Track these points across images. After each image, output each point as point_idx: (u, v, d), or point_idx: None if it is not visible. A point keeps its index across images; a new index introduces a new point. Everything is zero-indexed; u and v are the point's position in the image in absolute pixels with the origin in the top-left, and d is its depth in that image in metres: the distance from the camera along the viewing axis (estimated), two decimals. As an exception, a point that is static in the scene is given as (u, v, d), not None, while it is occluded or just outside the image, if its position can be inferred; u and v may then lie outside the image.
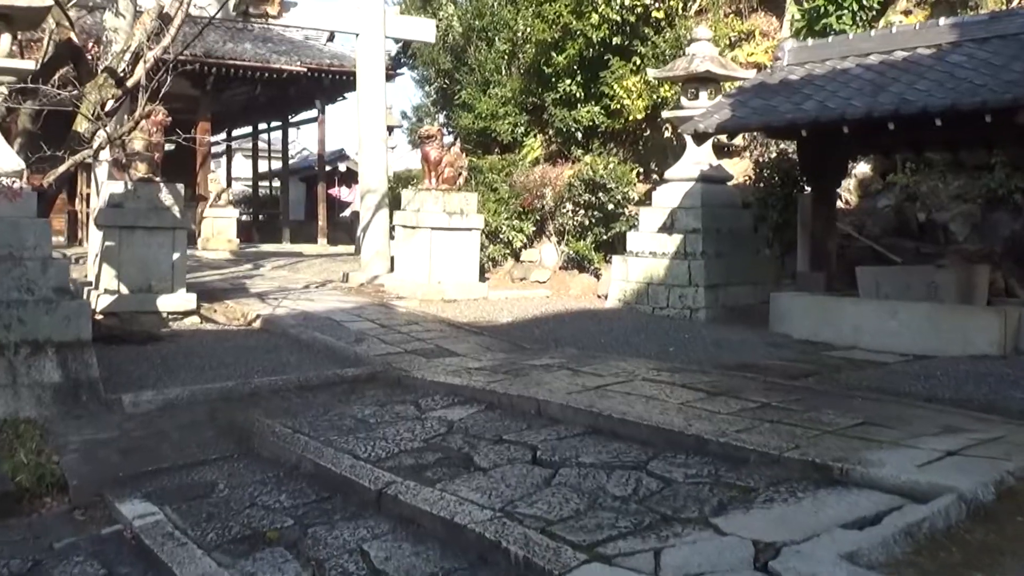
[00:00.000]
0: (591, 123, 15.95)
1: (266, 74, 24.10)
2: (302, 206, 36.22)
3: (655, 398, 6.95)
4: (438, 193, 14.02)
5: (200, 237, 23.50)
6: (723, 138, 14.09)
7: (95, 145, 9.35)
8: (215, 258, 21.26)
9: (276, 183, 36.82)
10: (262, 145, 35.36)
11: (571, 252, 15.17)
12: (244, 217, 34.94)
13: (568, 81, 15.76)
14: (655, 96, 15.09)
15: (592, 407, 6.54)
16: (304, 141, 42.78)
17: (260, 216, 34.54)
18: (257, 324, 11.58)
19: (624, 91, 15.18)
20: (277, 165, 34.41)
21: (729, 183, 13.69)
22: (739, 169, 15.01)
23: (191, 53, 22.36)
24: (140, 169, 11.78)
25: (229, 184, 36.84)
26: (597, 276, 14.87)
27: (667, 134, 15.58)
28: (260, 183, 37.76)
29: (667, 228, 12.97)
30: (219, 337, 10.67)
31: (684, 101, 13.43)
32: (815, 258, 11.61)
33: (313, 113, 28.92)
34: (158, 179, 11.94)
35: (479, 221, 14.38)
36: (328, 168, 31.01)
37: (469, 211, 14.22)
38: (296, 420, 7.10)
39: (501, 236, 15.82)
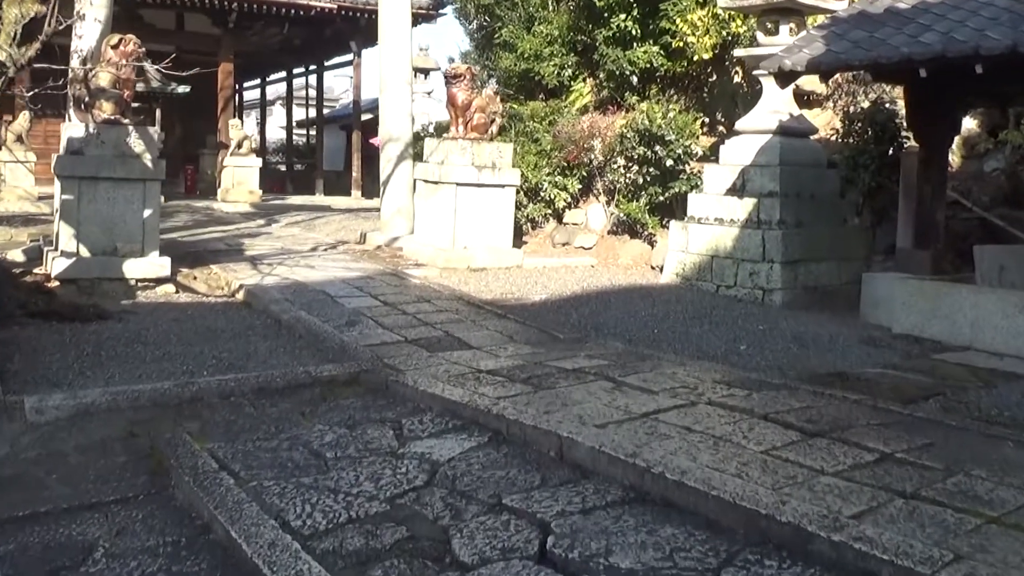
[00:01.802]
0: (648, 65, 13.66)
1: (293, 11, 22.13)
2: (341, 155, 34.30)
3: (727, 440, 4.87)
4: (466, 143, 11.95)
5: (220, 188, 21.75)
6: (805, 85, 11.92)
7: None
8: (230, 211, 19.51)
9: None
10: (301, 93, 33.48)
11: (621, 214, 13.03)
12: (280, 167, 33.28)
13: (622, 16, 13.47)
14: (724, 32, 12.82)
15: (637, 456, 4.48)
16: (348, 87, 40.81)
17: (295, 166, 32.69)
18: (240, 296, 9.71)
19: (688, 26, 12.89)
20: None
21: (812, 137, 11.46)
22: (820, 122, 12.76)
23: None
24: (105, 109, 9.86)
25: (263, 135, 35.20)
26: (651, 243, 12.73)
27: (737, 78, 13.34)
28: (299, 132, 35.93)
29: (736, 190, 10.80)
30: (185, 314, 8.75)
31: (760, 37, 11.23)
32: (919, 232, 9.40)
33: (349, 57, 26.91)
34: (127, 121, 10.01)
35: (514, 176, 12.29)
36: (368, 116, 29.02)
37: (503, 164, 12.14)
38: (233, 446, 5.22)
39: (542, 194, 13.72)
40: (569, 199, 13.80)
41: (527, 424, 5.16)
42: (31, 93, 11.16)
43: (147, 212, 9.98)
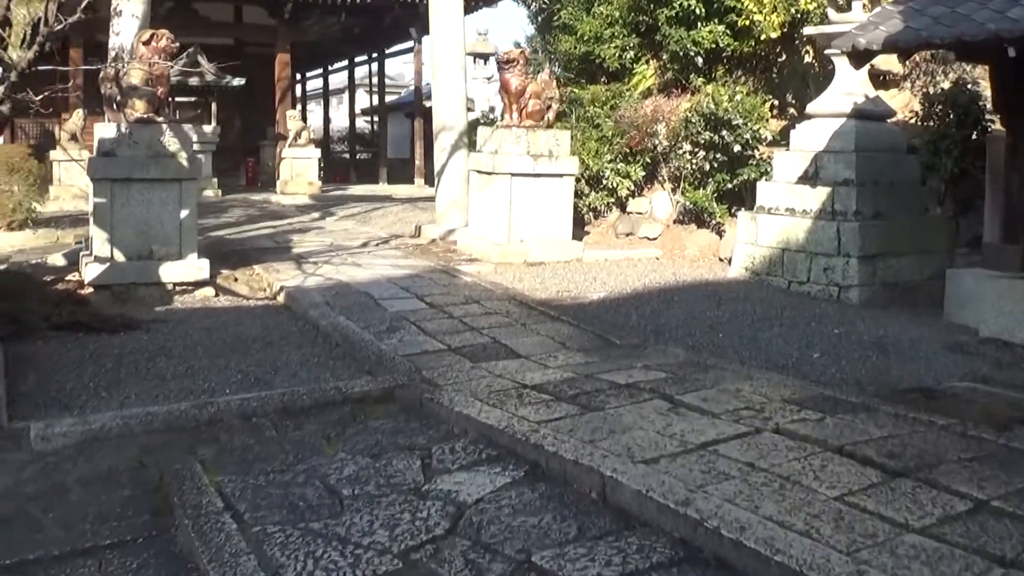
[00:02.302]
0: (713, 45, 12.88)
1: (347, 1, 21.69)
2: (406, 143, 33.89)
3: (796, 481, 4.23)
4: (520, 131, 11.34)
5: (279, 180, 21.46)
6: (880, 64, 11.08)
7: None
8: (287, 204, 19.21)
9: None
10: (366, 81, 33.14)
11: (687, 203, 12.32)
12: (345, 156, 33.03)
13: None
14: (793, 9, 11.99)
15: (689, 505, 3.87)
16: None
17: (359, 155, 32.35)
18: (280, 299, 9.27)
19: (754, 4, 12.10)
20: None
21: (890, 120, 10.65)
22: (897, 104, 11.88)
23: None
24: (137, 108, 9.44)
25: (326, 124, 34.93)
26: (719, 233, 12.02)
27: (808, 58, 12.51)
28: (365, 120, 35.61)
29: (809, 178, 10.05)
30: (219, 321, 8.31)
31: (832, 14, 10.42)
32: (1008, 225, 8.54)
33: (410, 44, 26.43)
34: (161, 119, 9.59)
35: (572, 165, 11.66)
36: (430, 103, 28.54)
37: (560, 153, 11.52)
38: (244, 479, 4.76)
39: (604, 182, 13.06)
40: (632, 187, 13.11)
41: (567, 458, 4.58)
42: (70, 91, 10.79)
43: (184, 213, 9.56)
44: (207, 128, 21.16)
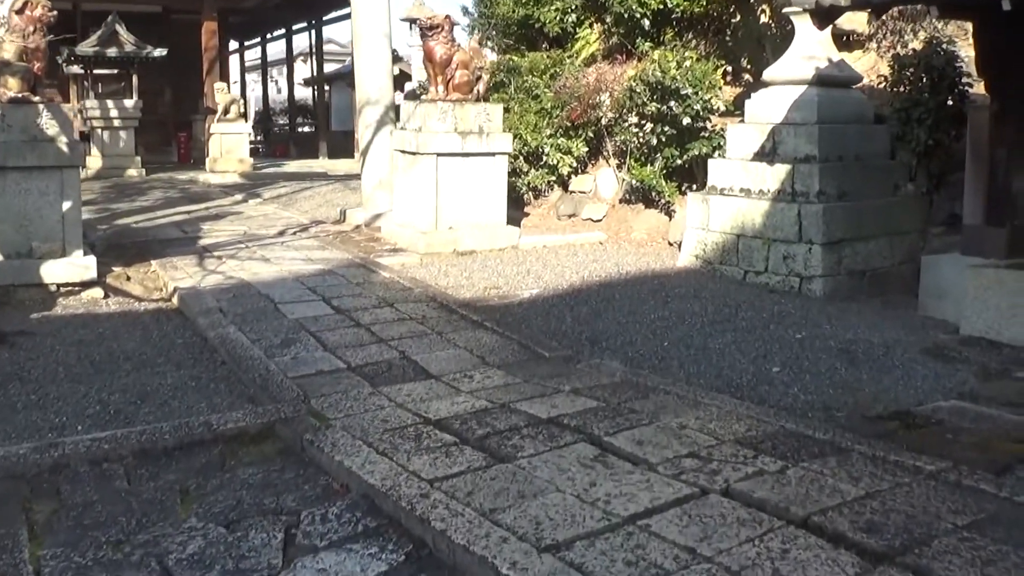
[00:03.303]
0: (661, 5, 11.75)
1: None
2: (350, 115, 32.52)
3: (748, 580, 3.22)
4: (446, 105, 10.21)
5: (208, 157, 20.13)
6: (844, 24, 10.09)
7: None
8: (213, 183, 18.00)
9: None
10: (307, 51, 31.72)
11: (634, 181, 11.26)
12: (286, 128, 31.74)
13: None
14: (749, -35, 10.96)
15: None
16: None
17: (300, 128, 30.99)
18: (174, 302, 8.16)
19: (707, -41, 11.05)
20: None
21: (856, 87, 9.63)
22: (863, 66, 10.87)
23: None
24: (10, 86, 8.28)
25: (265, 97, 33.53)
26: (669, 214, 10.98)
27: (764, 18, 11.45)
28: (307, 92, 34.18)
29: (766, 154, 9.02)
30: (95, 332, 7.18)
31: (791, -31, 9.38)
32: (992, 205, 7.58)
33: (348, 9, 25.05)
34: (37, 99, 8.39)
35: (506, 142, 10.54)
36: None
37: (492, 129, 10.41)
38: (69, 558, 3.78)
39: (544, 159, 11.99)
40: (575, 164, 12.04)
41: (457, 542, 3.54)
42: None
43: (66, 205, 8.41)
44: (128, 102, 19.78)
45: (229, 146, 20.01)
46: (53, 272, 8.29)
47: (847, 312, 7.59)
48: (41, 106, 8.34)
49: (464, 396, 5.48)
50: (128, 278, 8.98)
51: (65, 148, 8.37)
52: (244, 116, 20.56)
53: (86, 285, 8.43)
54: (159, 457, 4.83)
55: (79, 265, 8.42)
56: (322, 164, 22.97)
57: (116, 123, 19.57)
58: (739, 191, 9.07)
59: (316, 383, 5.77)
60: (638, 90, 10.68)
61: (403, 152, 10.51)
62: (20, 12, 8.37)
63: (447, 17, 10.35)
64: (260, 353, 6.35)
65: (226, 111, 19.98)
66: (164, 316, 7.80)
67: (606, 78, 11.82)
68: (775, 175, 8.77)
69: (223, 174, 19.23)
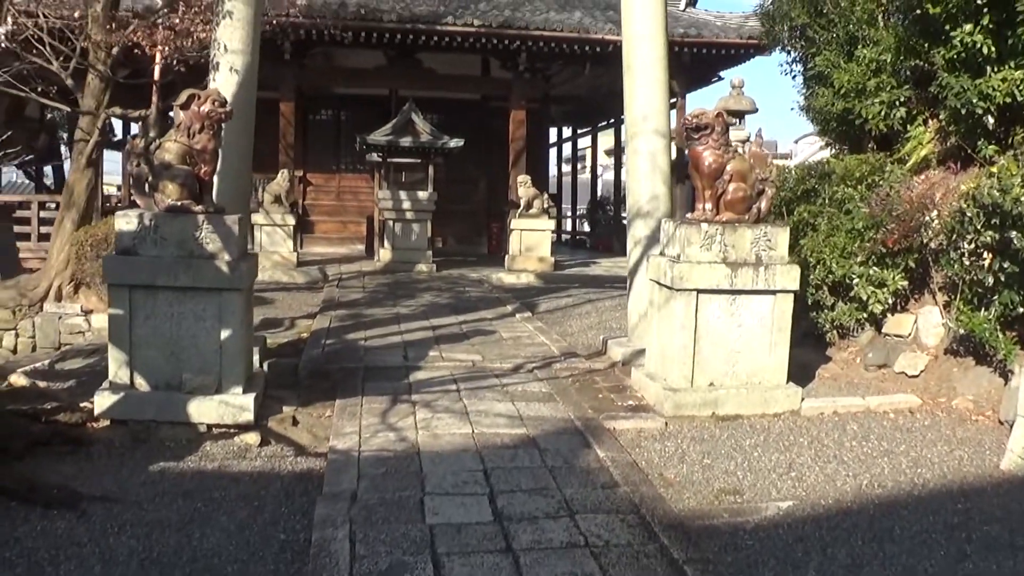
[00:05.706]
0: (1008, 99, 8.89)
1: (587, 47, 19.12)
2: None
3: None
4: (713, 229, 8.05)
5: (507, 255, 19.02)
6: None
7: None
8: (505, 283, 16.88)
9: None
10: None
11: (961, 328, 8.53)
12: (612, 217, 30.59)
13: (968, 28, 8.89)
14: None
15: None
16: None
17: (623, 219, 29.54)
18: (322, 464, 6.66)
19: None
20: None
21: None
22: None
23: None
24: (169, 192, 7.21)
25: (575, 190, 32.54)
26: (1005, 375, 8.16)
27: None
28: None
29: None
30: (190, 507, 5.74)
31: None
32: None
33: (672, 99, 23.47)
34: (198, 208, 7.25)
35: (791, 277, 8.12)
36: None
37: (773, 260, 8.11)
38: None
39: (852, 292, 9.51)
40: (890, 299, 9.44)
41: None
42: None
43: (225, 333, 7.18)
44: (422, 194, 19.03)
45: (529, 243, 18.79)
46: (201, 411, 7.13)
47: None
48: (201, 217, 7.18)
49: None
50: (295, 422, 7.57)
51: (225, 268, 7.14)
52: (547, 212, 19.26)
53: (242, 428, 7.16)
54: None
55: (233, 406, 7.17)
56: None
57: (408, 215, 18.88)
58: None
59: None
60: (969, 213, 8.04)
61: (659, 284, 8.47)
62: (185, 107, 7.30)
63: (719, 115, 8.24)
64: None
65: (528, 206, 18.81)
66: (301, 486, 6.24)
67: (936, 190, 9.21)
68: None
69: (519, 273, 17.98)
